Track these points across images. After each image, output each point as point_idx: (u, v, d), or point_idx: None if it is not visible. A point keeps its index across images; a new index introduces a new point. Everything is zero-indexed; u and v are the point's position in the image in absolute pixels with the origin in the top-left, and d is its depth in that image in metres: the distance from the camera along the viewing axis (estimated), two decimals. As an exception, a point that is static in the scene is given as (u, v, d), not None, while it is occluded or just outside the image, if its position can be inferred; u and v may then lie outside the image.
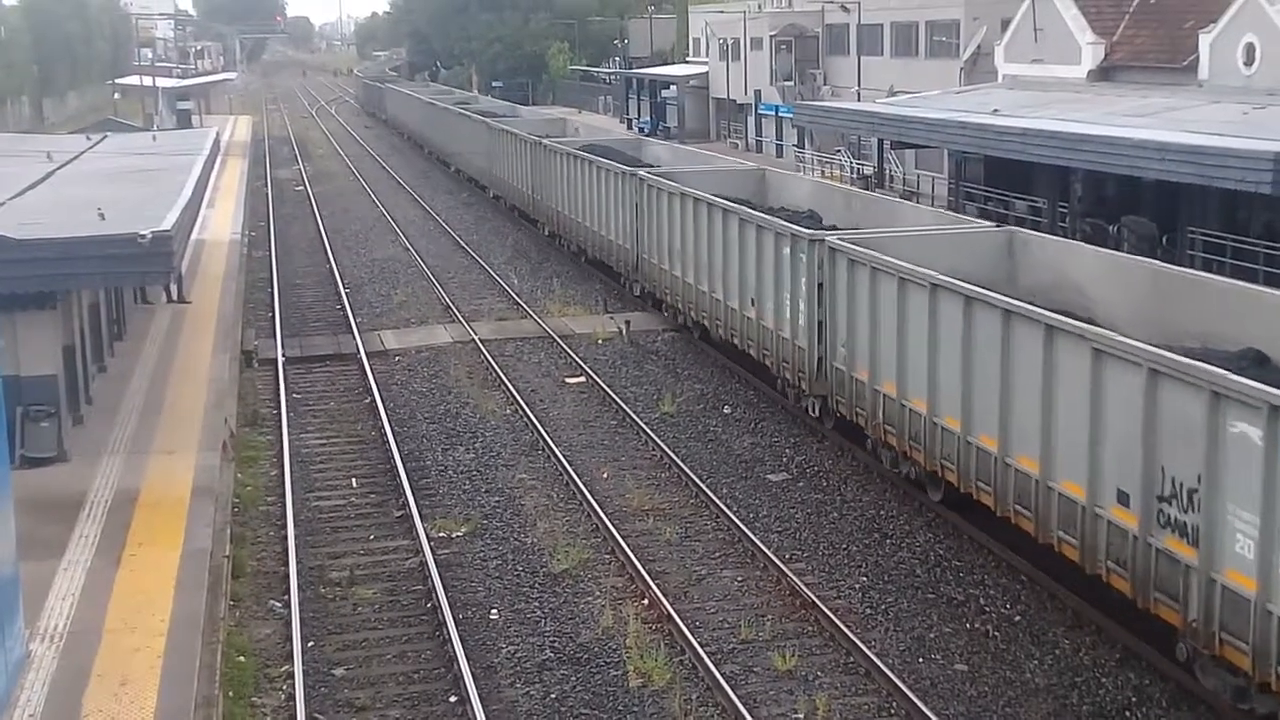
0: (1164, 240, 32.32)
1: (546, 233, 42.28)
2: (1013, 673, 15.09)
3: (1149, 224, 32.89)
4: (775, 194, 31.18)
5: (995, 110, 37.95)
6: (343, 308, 34.97)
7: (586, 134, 49.05)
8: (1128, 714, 14.25)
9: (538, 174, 42.04)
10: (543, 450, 23.07)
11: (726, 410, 25.12)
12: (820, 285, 21.91)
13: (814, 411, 22.92)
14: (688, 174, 31.75)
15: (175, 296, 31.11)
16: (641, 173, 31.27)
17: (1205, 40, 36.84)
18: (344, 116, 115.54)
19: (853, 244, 21.11)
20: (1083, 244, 23.22)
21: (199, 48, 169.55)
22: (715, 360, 28.12)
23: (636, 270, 32.43)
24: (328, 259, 42.60)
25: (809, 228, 23.78)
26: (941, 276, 18.35)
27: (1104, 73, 41.33)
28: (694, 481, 21.00)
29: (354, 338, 31.28)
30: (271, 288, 37.82)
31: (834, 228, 24.98)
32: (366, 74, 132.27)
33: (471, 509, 20.40)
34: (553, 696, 14.84)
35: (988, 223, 23.61)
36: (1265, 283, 24.64)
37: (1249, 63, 35.39)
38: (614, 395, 25.86)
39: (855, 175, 51.20)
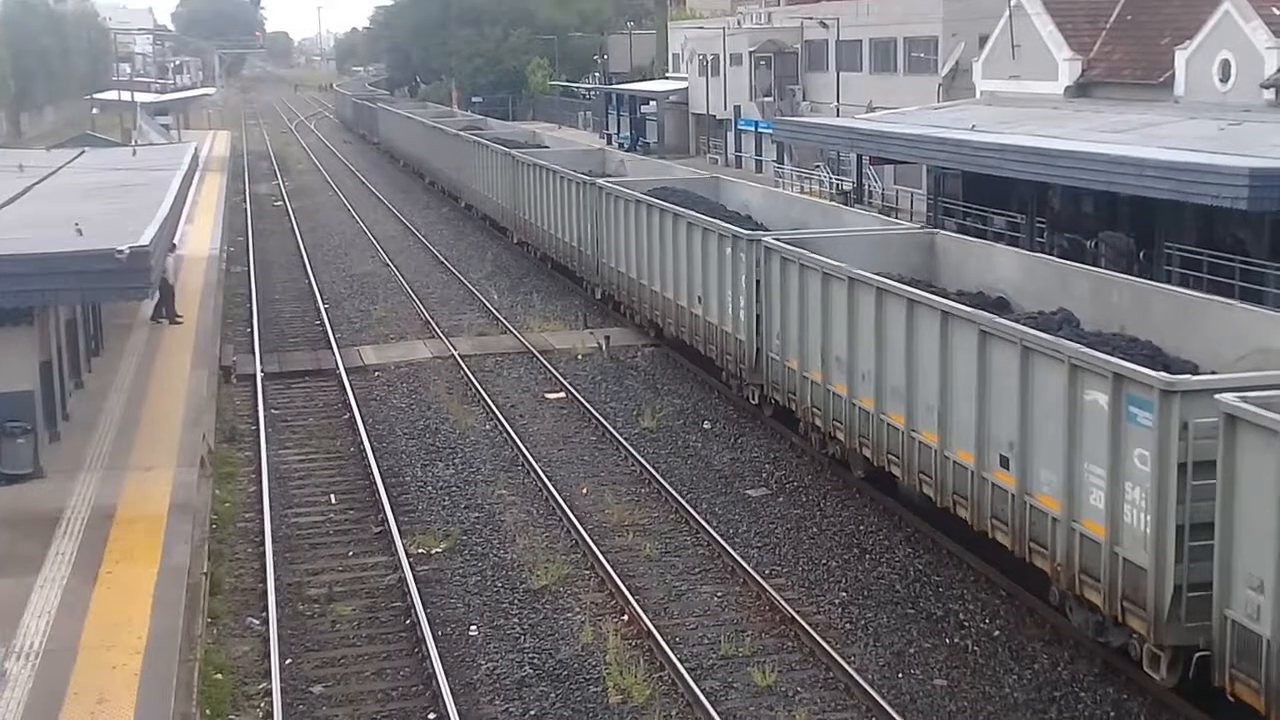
0: (1141, 255, 32.47)
1: (600, 295, 34.50)
2: (992, 688, 15.10)
3: (1126, 239, 33.04)
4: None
5: (973, 126, 38.11)
6: (322, 323, 34.89)
7: (635, 168, 41.31)
8: (1107, 729, 14.28)
9: (592, 224, 34.18)
10: (522, 466, 23.03)
11: (706, 425, 25.13)
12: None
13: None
14: (820, 240, 23.79)
15: (166, 315, 30.87)
16: (768, 240, 23.42)
17: (1181, 57, 37.07)
18: (323, 132, 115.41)
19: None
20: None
21: (178, 63, 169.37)
22: (695, 375, 28.14)
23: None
24: (307, 274, 42.52)
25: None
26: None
27: (1081, 89, 41.55)
28: (674, 497, 20.99)
29: (333, 353, 31.20)
30: (250, 303, 37.72)
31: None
32: (355, 92, 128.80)
33: (451, 525, 20.35)
34: (532, 713, 14.79)
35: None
36: (1241, 297, 24.79)
37: (1225, 79, 35.63)
38: (594, 411, 25.84)
39: (834, 190, 51.34)
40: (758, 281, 23.37)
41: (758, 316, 23.49)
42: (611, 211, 31.99)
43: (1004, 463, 16.17)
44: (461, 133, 55.86)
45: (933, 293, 19.46)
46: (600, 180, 33.83)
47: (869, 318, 19.42)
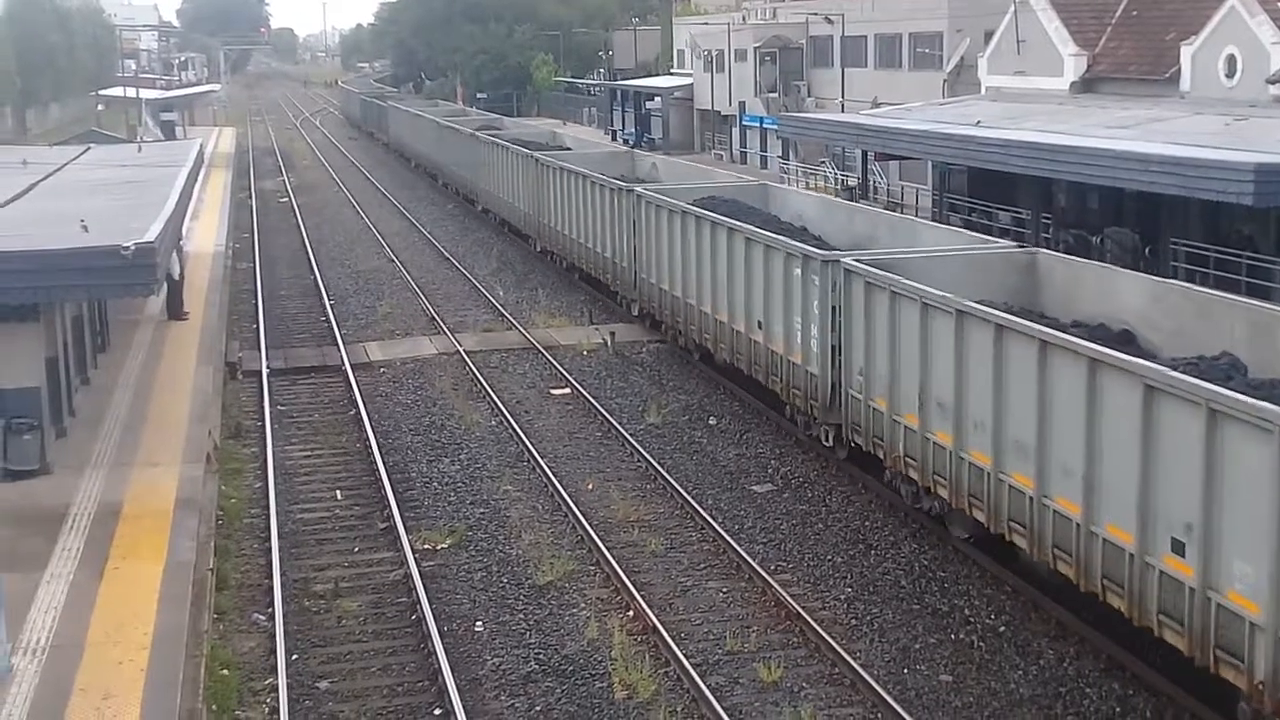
0: (1146, 251, 32.44)
1: (637, 311, 31.81)
2: (997, 683, 15.10)
3: (1132, 235, 33.02)
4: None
5: (978, 122, 38.07)
6: (327, 319, 34.92)
7: (668, 172, 38.15)
8: (1112, 724, 14.28)
9: (629, 234, 31.41)
10: (528, 462, 23.04)
11: (712, 421, 25.13)
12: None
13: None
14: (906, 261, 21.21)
15: (173, 311, 30.90)
16: (849, 261, 20.69)
17: (1187, 52, 37.03)
18: (329, 128, 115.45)
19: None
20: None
21: (183, 59, 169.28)
22: (701, 372, 28.14)
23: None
24: (312, 270, 42.54)
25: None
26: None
27: (1086, 84, 41.51)
28: (679, 493, 21.00)
29: (339, 349, 31.22)
30: (256, 299, 37.74)
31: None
32: (362, 89, 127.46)
33: (456, 521, 20.37)
34: (538, 709, 14.81)
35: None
36: (1247, 293, 24.76)
37: (1230, 74, 35.58)
38: (599, 407, 25.85)
39: (839, 186, 51.30)
40: (834, 308, 20.75)
41: (834, 347, 20.87)
42: (653, 222, 29.21)
43: (1177, 548, 13.50)
44: (478, 133, 52.35)
45: (1049, 324, 16.71)
46: (639, 188, 30.90)
47: (985, 358, 16.61)
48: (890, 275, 19.26)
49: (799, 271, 21.92)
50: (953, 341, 17.28)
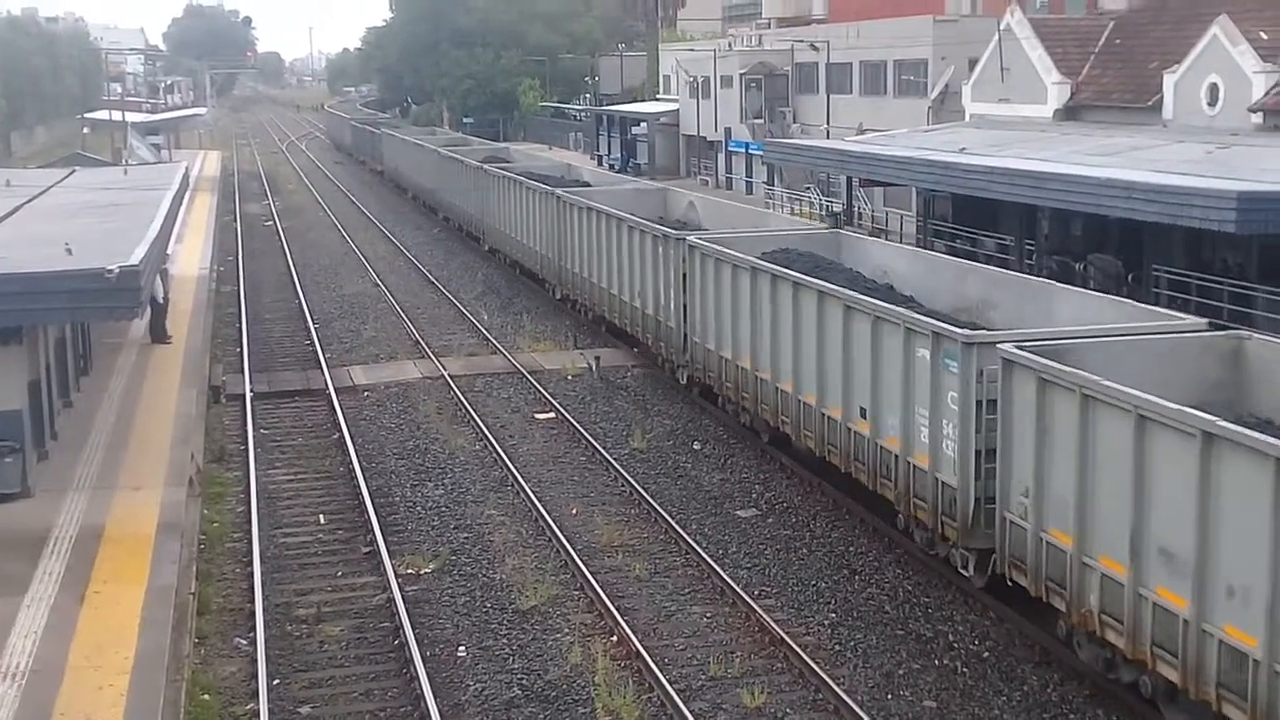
0: (1129, 278, 32.58)
1: (685, 378, 27.64)
2: (981, 710, 15.08)
3: (1115, 262, 33.16)
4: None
5: (962, 149, 38.25)
6: (312, 343, 34.87)
7: (708, 213, 33.31)
8: (1096, 750, 14.26)
9: (677, 290, 27.05)
10: (512, 486, 23.01)
11: (696, 446, 25.12)
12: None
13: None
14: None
15: (155, 334, 30.84)
16: (1008, 347, 16.18)
17: (1170, 80, 37.28)
18: (314, 152, 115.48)
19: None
20: None
21: (169, 82, 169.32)
22: (685, 396, 28.13)
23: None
24: (297, 294, 42.49)
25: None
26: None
27: (1070, 112, 41.74)
28: (663, 517, 20.98)
29: (323, 373, 31.17)
30: (240, 322, 37.68)
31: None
32: (351, 114, 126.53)
33: (440, 545, 20.31)
34: (521, 734, 14.74)
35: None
36: (1229, 319, 24.87)
37: (1212, 103, 35.82)
38: (583, 431, 25.83)
39: (824, 212, 51.47)
40: (980, 403, 16.57)
41: (980, 453, 16.64)
42: (710, 277, 25.12)
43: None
44: (486, 166, 47.78)
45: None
46: (691, 237, 26.66)
47: (1257, 501, 12.24)
48: (1080, 374, 14.73)
49: (925, 353, 17.69)
50: (1195, 474, 12.86)
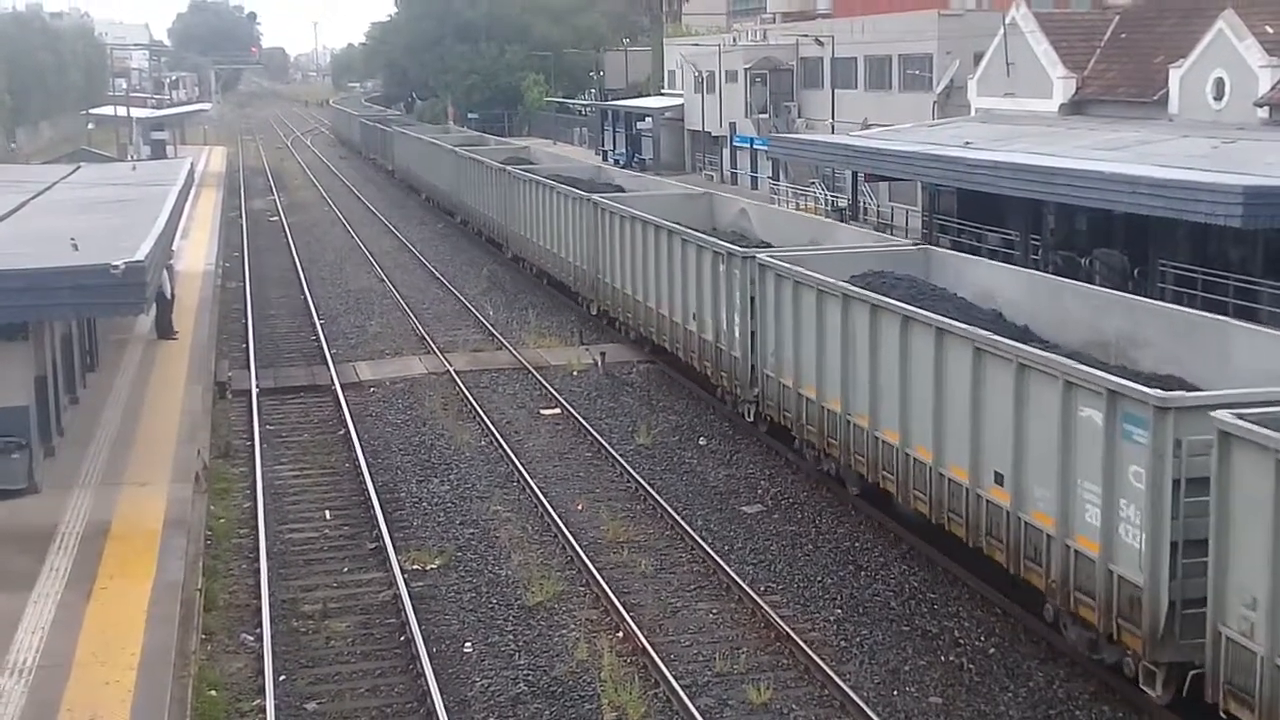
0: (1135, 273, 32.55)
1: (752, 413, 24.42)
2: (987, 705, 15.09)
3: (1120, 257, 33.13)
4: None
5: (967, 143, 38.20)
6: (317, 339, 34.88)
7: (761, 221, 30.42)
8: (1102, 746, 14.25)
9: (741, 314, 23.99)
10: (518, 482, 23.02)
11: (702, 442, 25.13)
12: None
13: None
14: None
15: (162, 330, 30.85)
16: (1226, 416, 12.82)
17: (1175, 75, 37.21)
18: (319, 148, 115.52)
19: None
20: None
21: (174, 78, 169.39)
22: (691, 392, 28.13)
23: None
24: (302, 290, 42.52)
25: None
26: None
27: (1075, 106, 41.68)
28: (669, 513, 20.98)
29: (328, 369, 31.19)
30: (246, 319, 37.71)
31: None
32: (358, 110, 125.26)
33: (446, 541, 20.33)
34: (527, 730, 14.77)
35: None
36: (1235, 314, 24.83)
37: (1218, 97, 35.76)
38: (589, 427, 25.83)
39: (830, 208, 51.45)
40: (1178, 482, 13.38)
41: (1177, 545, 13.48)
42: (788, 305, 21.93)
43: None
44: (509, 168, 44.49)
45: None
46: (762, 255, 23.38)
47: None
48: None
49: (1095, 415, 14.39)
50: None
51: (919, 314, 18.20)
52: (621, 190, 38.47)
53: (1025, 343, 16.76)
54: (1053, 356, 15.62)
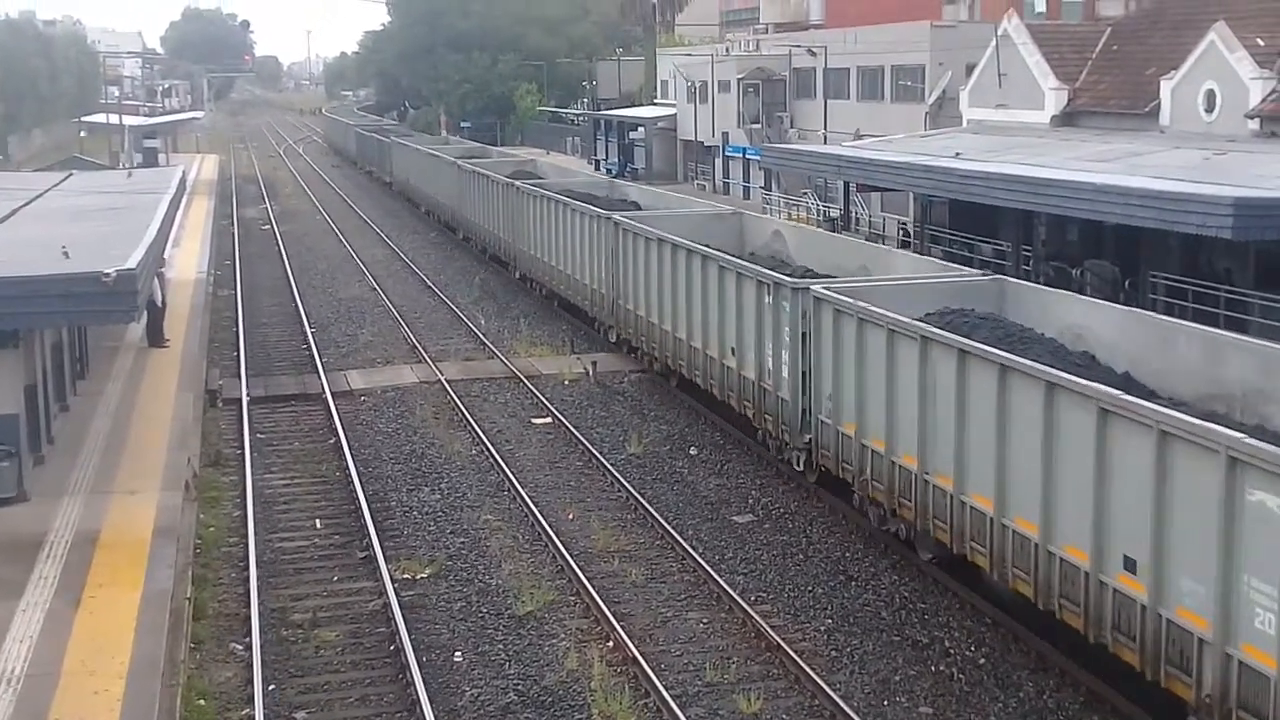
0: (1126, 284, 32.60)
1: (801, 462, 22.01)
2: (977, 716, 15.08)
3: (1111, 267, 33.18)
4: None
5: (957, 154, 38.27)
6: (308, 347, 34.85)
7: (798, 244, 28.04)
8: (1092, 757, 14.23)
9: (792, 353, 21.62)
10: (508, 491, 22.99)
11: (693, 452, 25.12)
12: None
13: None
14: None
15: (153, 338, 30.82)
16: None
17: (1167, 87, 37.31)
18: (311, 156, 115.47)
19: None
20: None
21: (166, 86, 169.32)
22: (682, 402, 28.12)
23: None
24: (294, 298, 42.47)
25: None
26: None
27: (1067, 118, 41.77)
28: (660, 523, 20.96)
29: (319, 377, 31.14)
30: (237, 327, 37.66)
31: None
32: (352, 119, 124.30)
33: (436, 550, 20.29)
34: (516, 740, 14.73)
35: None
36: (1226, 326, 24.88)
37: (1210, 109, 35.85)
38: (580, 436, 25.82)
39: (822, 218, 51.51)
40: None
41: None
42: (850, 345, 19.59)
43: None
44: (517, 183, 42.43)
45: None
46: (817, 287, 21.01)
47: None
48: None
49: (1271, 502, 12.10)
50: None
51: (1021, 364, 15.63)
52: (638, 206, 36.79)
53: (1128, 393, 14.47)
54: (1214, 427, 12.94)
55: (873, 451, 19.10)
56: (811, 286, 21.25)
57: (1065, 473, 14.79)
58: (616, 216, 31.49)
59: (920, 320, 18.57)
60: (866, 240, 38.47)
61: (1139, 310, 20.81)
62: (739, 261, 24.59)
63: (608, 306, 32.20)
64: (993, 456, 16.06)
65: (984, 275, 22.26)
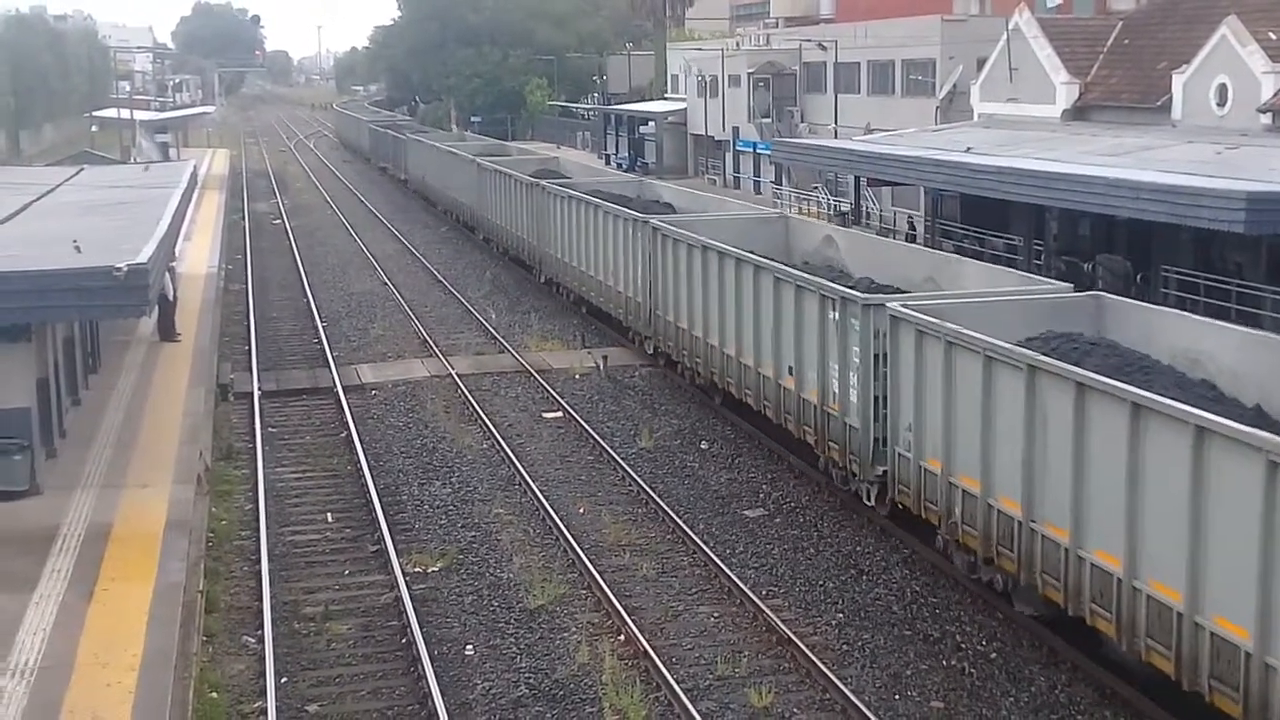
0: (1138, 278, 32.54)
1: (873, 493, 20.15)
2: (989, 710, 15.07)
3: (1123, 262, 33.11)
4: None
5: (968, 148, 38.19)
6: (320, 341, 34.89)
7: (851, 250, 26.13)
8: (1104, 751, 14.22)
9: (861, 375, 19.91)
10: (519, 485, 23.01)
11: (704, 446, 25.12)
12: None
13: None
14: None
15: (165, 332, 30.87)
16: None
17: (1178, 81, 37.20)
18: (323, 151, 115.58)
19: None
20: None
21: (177, 81, 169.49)
22: (693, 396, 28.12)
23: None
24: (305, 292, 42.53)
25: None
26: None
27: (1078, 112, 41.66)
28: (671, 517, 20.97)
29: (330, 371, 31.19)
30: (248, 321, 37.72)
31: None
32: (365, 115, 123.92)
33: (447, 544, 20.32)
34: (528, 733, 14.75)
35: None
36: (1237, 320, 24.81)
37: (1221, 103, 35.75)
38: (591, 430, 25.83)
39: (832, 212, 51.46)
40: None
41: None
42: (935, 370, 17.64)
43: None
44: (543, 183, 40.18)
45: None
46: (895, 305, 18.87)
47: None
48: None
49: None
50: None
51: (1160, 403, 13.50)
52: (672, 208, 35.06)
53: (1261, 429, 12.66)
54: None
55: (964, 492, 17.06)
56: (887, 304, 19.15)
57: (1218, 535, 12.77)
58: (654, 221, 29.67)
59: (1022, 345, 16.50)
60: (878, 235, 38.42)
61: (1263, 333, 17.63)
62: (798, 273, 22.57)
63: (644, 316, 30.38)
64: (1122, 508, 13.94)
65: (1073, 290, 20.07)
